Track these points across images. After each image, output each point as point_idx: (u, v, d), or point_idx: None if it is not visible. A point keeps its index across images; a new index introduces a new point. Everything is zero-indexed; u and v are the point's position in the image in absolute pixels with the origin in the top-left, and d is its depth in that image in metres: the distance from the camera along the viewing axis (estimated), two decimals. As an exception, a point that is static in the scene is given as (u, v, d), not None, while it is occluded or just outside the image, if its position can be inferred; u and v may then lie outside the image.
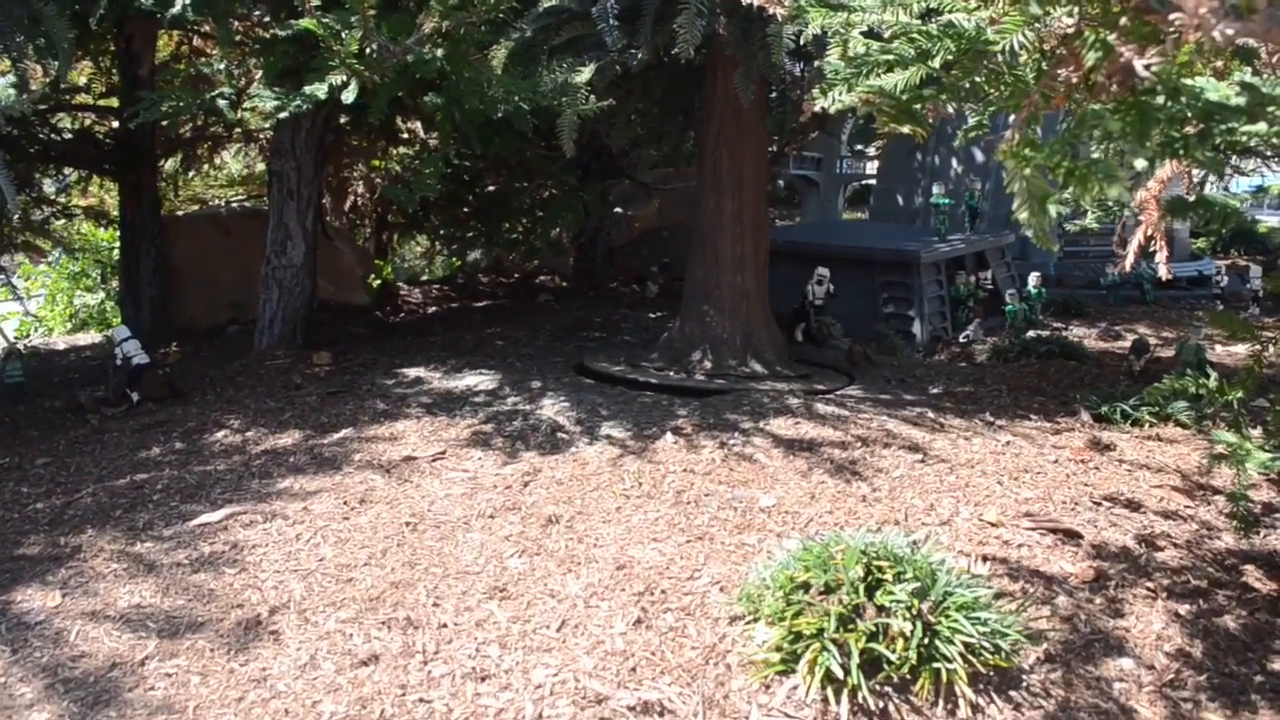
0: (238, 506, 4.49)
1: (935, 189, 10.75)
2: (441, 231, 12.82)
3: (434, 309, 12.14)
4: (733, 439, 5.20)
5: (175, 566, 3.93)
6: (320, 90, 5.75)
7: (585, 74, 6.05)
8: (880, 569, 3.13)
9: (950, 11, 2.46)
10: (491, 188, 11.68)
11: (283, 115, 6.08)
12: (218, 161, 13.37)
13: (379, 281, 12.43)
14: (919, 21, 2.51)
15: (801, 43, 5.17)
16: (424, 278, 15.14)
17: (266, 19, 7.30)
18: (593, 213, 11.13)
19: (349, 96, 5.69)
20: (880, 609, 3.02)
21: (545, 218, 11.18)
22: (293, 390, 6.52)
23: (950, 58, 2.48)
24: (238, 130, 11.12)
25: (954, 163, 12.67)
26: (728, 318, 7.08)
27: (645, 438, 5.26)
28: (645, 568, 3.76)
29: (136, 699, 3.06)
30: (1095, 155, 2.11)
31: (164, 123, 9.47)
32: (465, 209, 11.76)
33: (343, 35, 5.72)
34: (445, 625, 3.40)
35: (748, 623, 3.31)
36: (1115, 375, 7.03)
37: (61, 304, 15.15)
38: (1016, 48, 2.26)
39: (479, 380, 6.53)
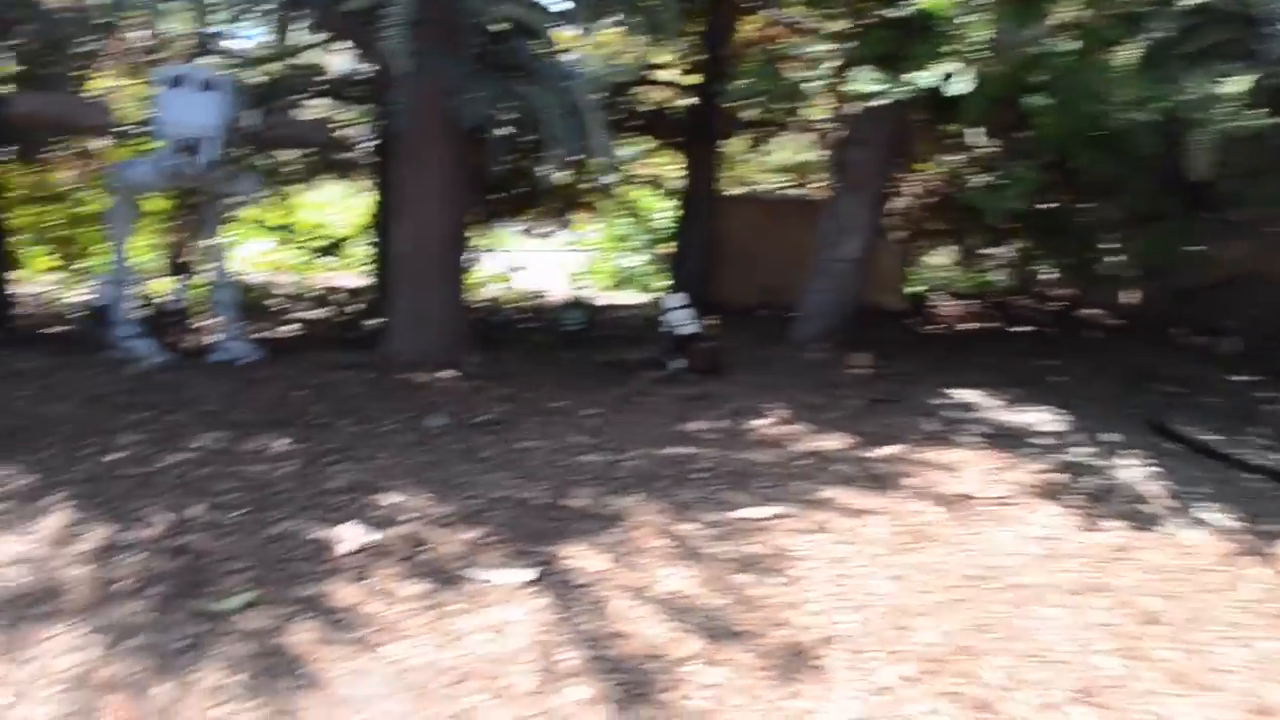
0: (782, 507, 4.18)
1: None
2: (987, 247, 11.96)
3: (964, 326, 11.36)
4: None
5: (716, 560, 3.69)
6: (927, 78, 5.31)
7: (1239, 85, 5.04)
8: None
9: None
10: (1054, 205, 10.58)
11: (881, 102, 5.72)
12: (763, 149, 13.61)
13: (913, 289, 11.89)
14: None
15: None
16: (952, 290, 14.33)
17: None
18: (1175, 247, 9.67)
19: (959, 87, 5.19)
20: None
21: (1127, 246, 9.88)
22: (833, 389, 6.18)
23: None
24: (793, 119, 11.12)
25: None
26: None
27: (1262, 535, 4.19)
28: (1292, 719, 2.87)
29: (672, 704, 2.80)
30: None
31: (736, 103, 9.66)
32: (1020, 224, 10.78)
33: (963, 20, 5.23)
34: (1025, 721, 2.78)
35: None
36: None
37: (606, 263, 16.50)
38: None
39: (1039, 418, 5.74)
